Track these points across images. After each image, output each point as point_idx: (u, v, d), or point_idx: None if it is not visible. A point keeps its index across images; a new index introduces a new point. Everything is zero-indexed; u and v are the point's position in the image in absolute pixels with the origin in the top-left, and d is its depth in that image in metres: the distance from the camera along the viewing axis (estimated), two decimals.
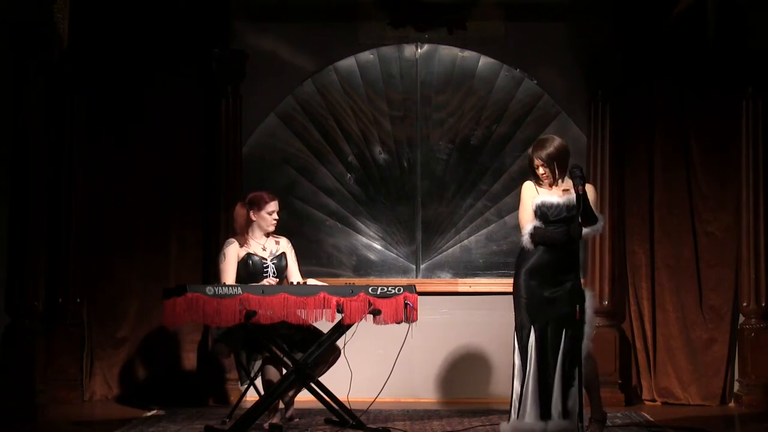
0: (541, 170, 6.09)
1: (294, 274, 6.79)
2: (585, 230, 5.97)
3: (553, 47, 8.07)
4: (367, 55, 8.17)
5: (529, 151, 6.16)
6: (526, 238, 6.10)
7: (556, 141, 6.12)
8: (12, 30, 7.24)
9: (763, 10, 7.41)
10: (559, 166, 6.07)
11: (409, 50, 8.18)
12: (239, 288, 6.19)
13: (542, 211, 6.08)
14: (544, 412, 5.93)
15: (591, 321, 6.04)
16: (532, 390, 5.96)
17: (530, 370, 5.97)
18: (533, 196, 6.12)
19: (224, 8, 7.95)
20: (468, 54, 8.16)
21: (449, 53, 8.18)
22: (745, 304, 7.71)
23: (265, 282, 6.53)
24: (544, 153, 6.07)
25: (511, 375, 6.07)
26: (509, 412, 6.05)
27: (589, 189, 6.13)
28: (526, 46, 8.10)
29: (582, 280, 6.18)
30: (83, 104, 7.85)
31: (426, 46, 8.17)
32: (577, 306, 5.85)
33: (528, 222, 6.11)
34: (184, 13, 7.87)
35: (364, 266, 8.15)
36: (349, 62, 8.16)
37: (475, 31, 8.12)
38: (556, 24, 8.06)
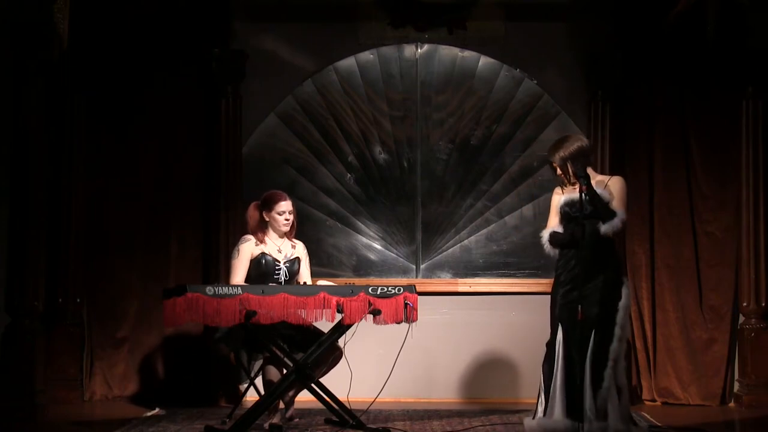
0: (558, 171, 6.12)
1: (304, 278, 6.79)
2: (603, 228, 5.97)
3: (553, 47, 8.07)
4: (367, 55, 8.17)
5: (548, 152, 6.21)
6: (546, 246, 6.14)
7: (571, 144, 6.13)
8: (12, 30, 7.24)
9: (763, 10, 7.40)
10: (574, 167, 6.07)
11: (409, 50, 8.18)
12: (239, 288, 6.19)
13: (565, 210, 6.11)
14: (570, 411, 5.94)
15: (621, 322, 6.01)
16: (559, 388, 5.99)
17: (557, 368, 5.99)
18: (559, 198, 6.17)
19: (224, 8, 7.95)
20: (468, 54, 8.17)
21: (449, 53, 8.18)
22: (745, 304, 7.71)
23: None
24: (557, 155, 6.12)
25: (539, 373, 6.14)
26: (535, 407, 6.10)
27: (617, 182, 6.14)
28: (526, 46, 8.10)
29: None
30: (83, 104, 7.86)
31: (426, 46, 8.17)
32: (579, 306, 5.86)
33: (549, 227, 6.17)
34: (184, 13, 7.87)
35: (364, 266, 8.15)
36: (349, 62, 8.16)
37: (475, 31, 8.12)
38: (556, 24, 8.06)
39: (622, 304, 6.01)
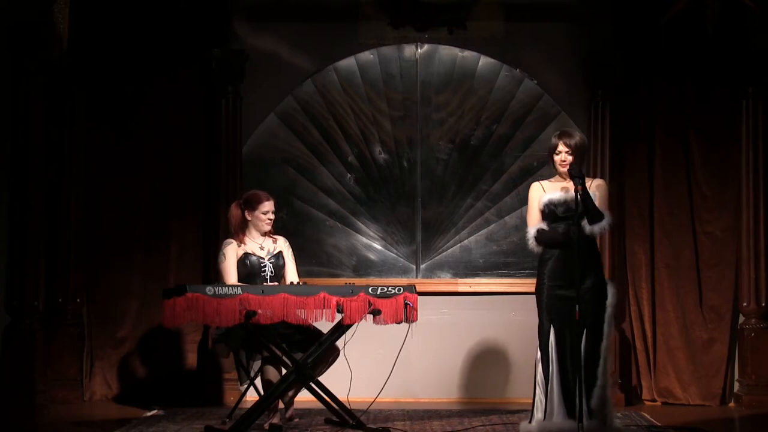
0: (562, 156, 6.08)
1: (291, 274, 6.79)
2: (590, 228, 5.97)
3: (553, 47, 8.07)
4: (367, 55, 8.17)
5: (554, 138, 6.15)
6: (531, 242, 6.12)
7: (580, 137, 6.20)
8: (12, 30, 7.25)
9: (763, 10, 7.40)
10: (580, 158, 6.09)
11: (409, 50, 8.18)
12: (239, 288, 6.19)
13: (550, 209, 6.08)
14: (570, 411, 5.93)
15: (609, 320, 6.04)
16: (557, 390, 5.97)
17: (553, 370, 5.98)
18: (540, 196, 6.13)
19: (224, 8, 7.94)
20: (468, 54, 8.17)
21: (449, 53, 8.18)
22: (745, 304, 7.71)
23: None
24: (572, 141, 6.11)
25: (533, 375, 6.09)
26: (531, 411, 6.08)
27: (601, 184, 6.16)
28: (526, 46, 8.10)
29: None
30: (83, 104, 7.85)
31: (426, 46, 8.17)
32: (576, 306, 5.86)
33: (533, 224, 6.13)
34: (184, 13, 7.87)
35: (364, 266, 8.15)
36: (349, 62, 8.16)
37: (475, 31, 8.11)
38: (556, 24, 8.05)
39: (609, 302, 6.05)
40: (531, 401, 6.13)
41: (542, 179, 6.28)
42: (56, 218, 7.75)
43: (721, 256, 7.82)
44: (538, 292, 6.14)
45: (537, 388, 6.07)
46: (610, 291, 6.08)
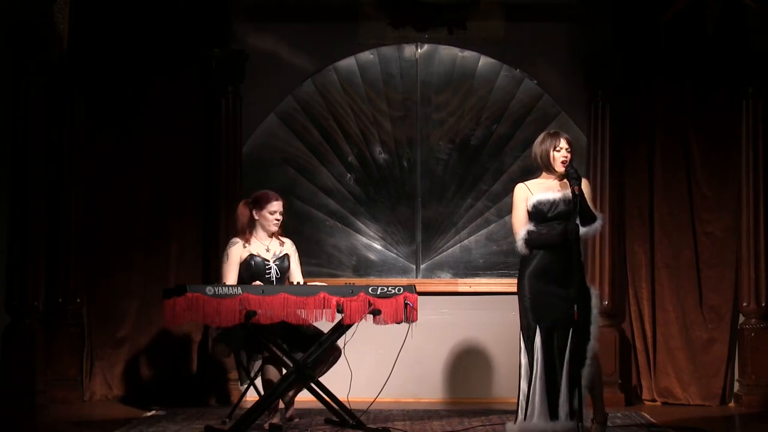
0: (564, 153, 6.05)
1: (296, 276, 6.79)
2: (584, 229, 5.97)
3: (553, 47, 8.07)
4: (367, 55, 8.18)
5: (552, 138, 6.08)
6: (520, 243, 6.09)
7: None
8: (12, 30, 7.25)
9: (763, 10, 7.40)
10: (572, 161, 6.11)
11: (409, 50, 8.18)
12: (239, 288, 6.19)
13: (538, 210, 6.06)
14: (552, 413, 5.93)
15: (596, 320, 6.04)
16: (539, 390, 5.96)
17: (537, 370, 5.97)
18: (526, 197, 6.10)
19: (224, 8, 7.95)
20: (468, 54, 8.17)
21: (449, 53, 8.18)
22: (745, 304, 7.71)
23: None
24: (572, 140, 6.10)
25: (518, 375, 6.07)
26: (516, 412, 6.06)
27: (586, 185, 6.15)
28: (526, 46, 8.10)
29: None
30: (83, 104, 7.85)
31: (426, 46, 8.17)
32: (575, 306, 5.85)
33: (521, 226, 6.10)
34: (184, 13, 7.87)
35: (364, 266, 8.15)
36: (349, 62, 8.16)
37: (475, 31, 8.12)
38: (556, 24, 8.06)
39: (594, 303, 6.04)
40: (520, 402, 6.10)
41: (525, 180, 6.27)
42: (56, 218, 7.75)
43: (721, 256, 7.83)
44: (520, 292, 6.11)
45: (520, 388, 6.06)
46: (593, 291, 6.07)
